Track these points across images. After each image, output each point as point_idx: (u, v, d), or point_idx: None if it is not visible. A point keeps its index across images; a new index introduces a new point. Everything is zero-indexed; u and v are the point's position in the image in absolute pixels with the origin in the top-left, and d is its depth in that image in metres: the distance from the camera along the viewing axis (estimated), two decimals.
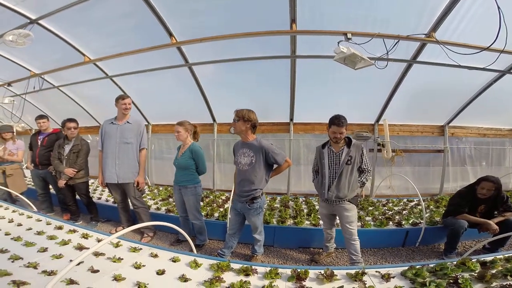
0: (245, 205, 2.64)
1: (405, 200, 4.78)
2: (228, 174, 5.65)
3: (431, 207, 4.35)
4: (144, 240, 3.42)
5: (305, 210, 4.01)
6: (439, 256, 3.18)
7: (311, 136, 5.39)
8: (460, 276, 1.52)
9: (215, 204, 4.33)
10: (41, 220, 2.83)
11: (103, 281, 1.64)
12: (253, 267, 1.78)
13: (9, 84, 5.68)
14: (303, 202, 4.55)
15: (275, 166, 2.70)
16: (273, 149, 2.58)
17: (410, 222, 3.54)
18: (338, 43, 2.94)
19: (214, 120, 5.64)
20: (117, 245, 2.22)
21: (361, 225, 3.40)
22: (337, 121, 2.52)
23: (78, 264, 1.82)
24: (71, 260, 1.82)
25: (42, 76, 5.37)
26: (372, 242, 3.32)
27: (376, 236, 3.36)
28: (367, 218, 3.70)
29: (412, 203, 4.59)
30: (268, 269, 1.73)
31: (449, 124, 5.29)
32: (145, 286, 1.57)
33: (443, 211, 3.48)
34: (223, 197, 4.91)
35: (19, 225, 2.66)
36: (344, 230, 2.63)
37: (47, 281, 1.55)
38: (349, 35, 3.00)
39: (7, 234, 2.37)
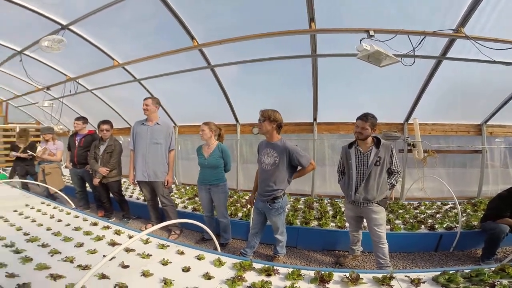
0: (266, 204, 2.64)
1: (438, 203, 4.49)
2: (251, 174, 5.68)
3: (468, 210, 4.05)
4: (171, 238, 3.55)
5: (330, 212, 3.91)
6: (475, 262, 2.97)
7: (336, 136, 5.25)
8: (498, 282, 1.41)
9: (238, 204, 4.38)
10: (78, 217, 3.01)
11: (132, 276, 1.71)
12: (275, 267, 1.77)
13: (48, 88, 6.15)
14: (328, 204, 4.44)
15: (299, 168, 2.67)
16: (297, 151, 2.55)
17: (444, 226, 3.33)
18: (361, 40, 2.85)
19: (237, 120, 5.70)
20: (146, 242, 2.31)
21: (390, 228, 3.26)
22: (362, 115, 2.48)
23: (111, 259, 1.92)
24: (104, 256, 1.93)
25: (77, 80, 5.74)
26: (402, 246, 3.16)
27: (406, 239, 3.20)
28: (397, 221, 3.53)
29: (447, 207, 4.31)
30: (290, 270, 1.72)
31: (487, 123, 4.89)
32: (171, 283, 1.61)
33: (482, 215, 3.23)
34: (247, 197, 4.93)
35: (59, 221, 2.85)
36: (372, 233, 2.53)
37: (81, 275, 1.64)
38: (371, 32, 2.90)
39: (48, 229, 2.55)
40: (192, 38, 3.92)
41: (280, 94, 5.00)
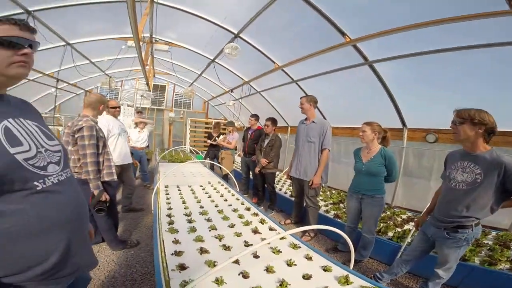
0: (443, 232, 2.00)
1: None
2: (415, 190, 4.60)
3: None
4: (304, 239, 3.50)
5: None
6: None
7: None
8: None
9: (391, 222, 3.66)
10: (238, 200, 3.51)
11: (257, 268, 1.75)
12: None
13: (231, 90, 7.73)
14: None
15: None
16: None
17: None
18: None
19: (403, 124, 4.67)
20: (281, 237, 2.33)
21: None
22: None
23: (248, 245, 2.09)
24: (245, 242, 2.12)
25: (250, 83, 6.81)
26: None
27: None
28: None
29: None
30: None
31: None
32: (286, 286, 1.54)
33: None
34: (404, 216, 4.05)
35: (225, 200, 3.43)
36: None
37: (222, 255, 1.89)
38: None
39: (216, 206, 3.14)
40: (343, 34, 3.63)
41: (471, 92, 3.62)
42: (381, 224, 3.51)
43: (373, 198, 2.83)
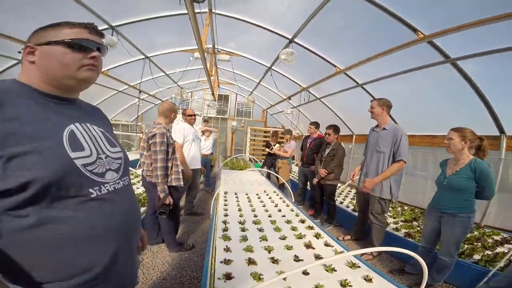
0: None
1: None
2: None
3: None
4: (365, 257, 3.11)
5: None
6: None
7: None
8: None
9: (479, 244, 3.03)
10: (293, 211, 3.34)
11: (305, 286, 1.59)
12: None
13: (289, 98, 7.61)
14: None
15: None
16: None
17: None
18: None
19: (501, 131, 3.79)
20: (337, 253, 2.12)
21: None
22: None
23: (298, 261, 1.91)
24: (295, 256, 1.95)
25: (308, 90, 6.58)
26: None
27: None
28: None
29: None
30: None
31: None
32: None
33: None
34: (497, 238, 3.32)
35: (279, 210, 3.31)
36: None
37: (269, 268, 1.77)
38: None
39: (269, 215, 3.03)
40: (414, 30, 3.21)
41: None
42: (465, 246, 2.97)
43: (456, 217, 2.38)
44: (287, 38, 4.75)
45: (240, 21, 4.79)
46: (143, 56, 5.96)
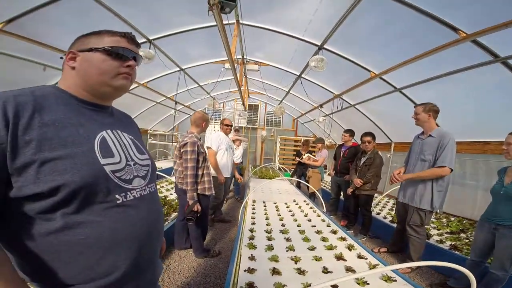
0: None
1: None
2: None
3: None
4: (402, 270, 2.82)
5: None
6: None
7: None
8: None
9: None
10: (324, 221, 3.20)
11: None
12: None
13: (321, 106, 7.41)
14: None
15: None
16: None
17: None
18: None
19: None
20: (373, 266, 1.94)
21: None
22: None
23: (326, 273, 1.79)
24: (324, 268, 1.82)
25: (341, 97, 6.35)
26: None
27: None
28: None
29: None
30: None
31: None
32: None
33: None
34: None
35: (309, 220, 3.19)
36: None
37: (295, 279, 1.69)
38: None
39: (298, 225, 2.93)
40: (455, 29, 2.97)
41: None
42: None
43: None
44: (316, 45, 4.67)
45: (267, 30, 4.83)
46: (178, 68, 6.28)
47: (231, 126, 4.28)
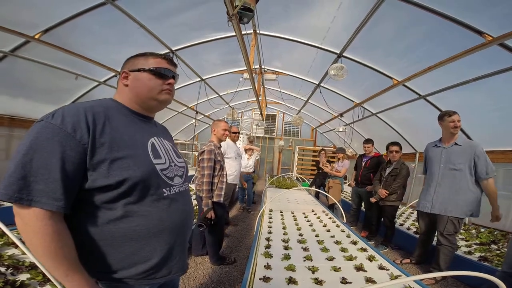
0: None
1: None
2: None
3: None
4: (426, 282, 2.76)
5: None
6: None
7: None
8: None
9: None
10: (344, 231, 3.09)
11: None
12: None
13: (341, 115, 7.25)
14: None
15: None
16: None
17: None
18: None
19: None
20: (394, 277, 1.84)
21: None
22: None
23: (345, 283, 1.71)
24: (343, 279, 1.73)
25: (363, 105, 6.19)
26: None
27: None
28: None
29: None
30: None
31: None
32: None
33: None
34: None
35: (328, 230, 3.08)
36: None
37: None
38: None
39: (316, 235, 2.83)
40: (480, 33, 2.88)
41: None
42: None
43: None
44: (335, 53, 4.63)
45: (284, 39, 4.86)
46: (199, 79, 6.46)
47: (239, 133, 4.30)
